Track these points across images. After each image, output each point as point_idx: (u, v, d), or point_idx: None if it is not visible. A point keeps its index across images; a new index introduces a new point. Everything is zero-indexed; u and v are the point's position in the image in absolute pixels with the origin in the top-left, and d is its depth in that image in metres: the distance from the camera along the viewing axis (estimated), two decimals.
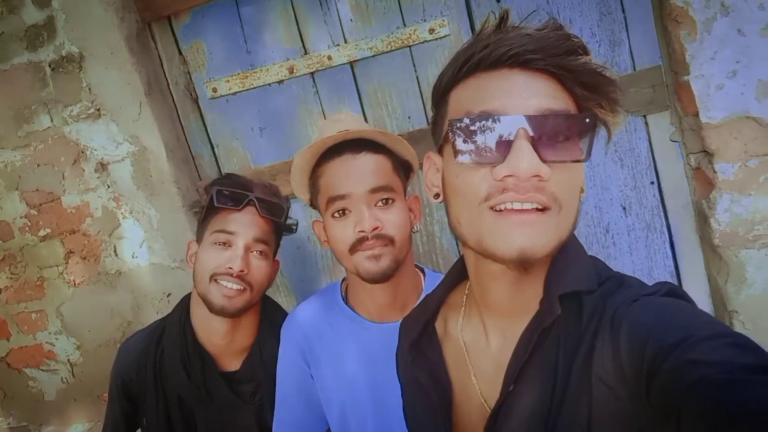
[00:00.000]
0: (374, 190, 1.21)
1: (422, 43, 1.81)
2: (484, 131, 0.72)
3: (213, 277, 1.40)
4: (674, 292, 0.75)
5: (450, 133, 0.75)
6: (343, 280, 1.46)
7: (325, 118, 1.90)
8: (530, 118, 0.70)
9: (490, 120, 0.71)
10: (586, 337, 0.74)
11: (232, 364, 1.54)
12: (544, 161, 0.70)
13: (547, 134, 0.71)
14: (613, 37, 1.72)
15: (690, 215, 1.77)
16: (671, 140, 1.73)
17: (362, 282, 1.26)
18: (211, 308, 1.41)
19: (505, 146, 0.71)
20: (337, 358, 1.35)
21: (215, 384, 1.49)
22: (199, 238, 1.49)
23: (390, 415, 1.29)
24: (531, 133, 0.70)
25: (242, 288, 1.40)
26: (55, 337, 2.29)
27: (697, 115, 1.60)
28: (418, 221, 1.34)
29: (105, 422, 1.61)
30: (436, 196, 0.88)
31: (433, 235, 1.95)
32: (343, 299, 1.40)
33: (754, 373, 0.54)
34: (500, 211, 0.71)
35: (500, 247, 0.71)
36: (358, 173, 1.22)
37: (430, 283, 1.39)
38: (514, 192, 0.70)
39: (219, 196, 1.42)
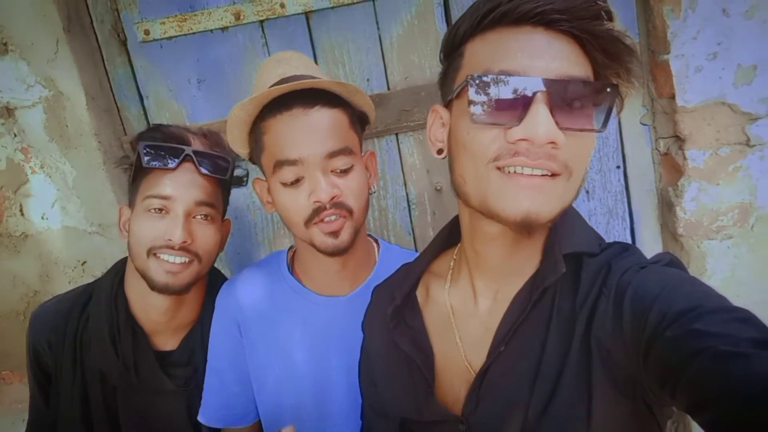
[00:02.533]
0: (332, 155, 1.06)
1: None
2: (501, 91, 0.70)
3: (151, 252, 1.20)
4: (675, 263, 0.77)
5: (465, 89, 0.73)
6: (290, 248, 1.32)
7: None
8: (551, 82, 0.68)
9: (510, 80, 0.69)
10: (588, 298, 0.74)
11: (169, 342, 1.36)
12: (560, 128, 0.69)
13: (566, 100, 0.69)
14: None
15: (653, 202, 1.71)
16: (641, 123, 1.66)
17: (313, 251, 1.13)
18: (153, 286, 1.22)
19: (522, 108, 0.69)
20: (276, 333, 1.22)
21: (146, 364, 1.30)
22: (131, 203, 1.28)
23: (331, 395, 1.19)
24: (550, 98, 0.69)
25: (188, 260, 1.22)
26: None
27: (672, 97, 1.52)
28: (375, 181, 1.21)
29: (29, 402, 1.41)
30: (440, 151, 0.85)
31: (386, 211, 1.81)
32: (288, 269, 1.26)
33: (759, 348, 0.54)
34: (508, 173, 0.71)
35: (506, 209, 0.71)
36: (312, 133, 1.05)
37: (384, 255, 1.29)
38: (525, 157, 0.69)
39: (148, 154, 1.20)
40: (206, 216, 1.25)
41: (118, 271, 1.37)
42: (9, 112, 1.74)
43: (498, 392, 0.79)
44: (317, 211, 1.07)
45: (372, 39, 1.68)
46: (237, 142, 1.17)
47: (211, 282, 1.40)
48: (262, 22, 1.69)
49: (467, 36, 0.77)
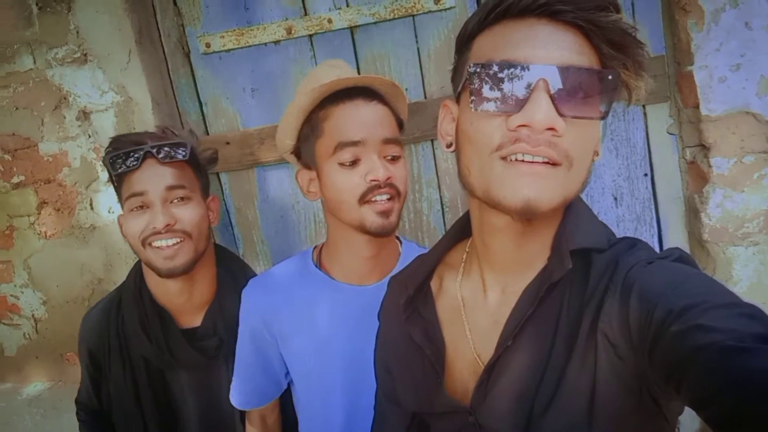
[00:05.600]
0: (387, 141, 1.18)
1: (426, 13, 1.77)
2: (503, 79, 0.70)
3: (145, 242, 1.33)
4: (684, 258, 0.75)
5: (469, 79, 0.73)
6: (315, 247, 1.40)
7: None
8: (551, 70, 0.68)
9: (511, 68, 0.70)
10: (595, 293, 0.73)
11: (194, 320, 1.48)
12: (561, 115, 0.68)
13: (568, 88, 0.69)
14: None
15: (680, 209, 1.76)
16: (668, 132, 1.72)
17: (350, 237, 1.22)
18: (159, 273, 1.35)
19: (523, 96, 0.69)
20: (307, 324, 1.29)
21: (176, 343, 1.43)
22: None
23: (361, 382, 1.24)
24: (551, 86, 0.68)
25: (180, 240, 1.34)
26: (20, 290, 2.20)
27: (697, 107, 1.59)
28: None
29: (81, 386, 1.58)
30: (449, 145, 0.86)
31: (420, 213, 1.92)
32: (315, 264, 1.35)
33: (764, 343, 0.53)
34: (510, 161, 0.70)
35: (507, 197, 0.71)
36: (373, 120, 1.18)
37: (406, 249, 1.37)
38: (526, 143, 0.69)
39: (112, 163, 1.33)
40: (182, 197, 1.36)
41: (138, 268, 1.52)
42: (85, 115, 1.95)
43: (506, 385, 0.79)
44: (372, 189, 1.16)
45: (411, 51, 1.82)
46: (288, 131, 1.27)
47: (220, 257, 1.54)
48: (311, 36, 1.85)
49: (475, 31, 0.78)
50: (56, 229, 2.09)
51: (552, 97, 0.69)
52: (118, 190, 1.40)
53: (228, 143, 1.91)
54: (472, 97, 0.73)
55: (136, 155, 1.32)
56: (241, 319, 1.37)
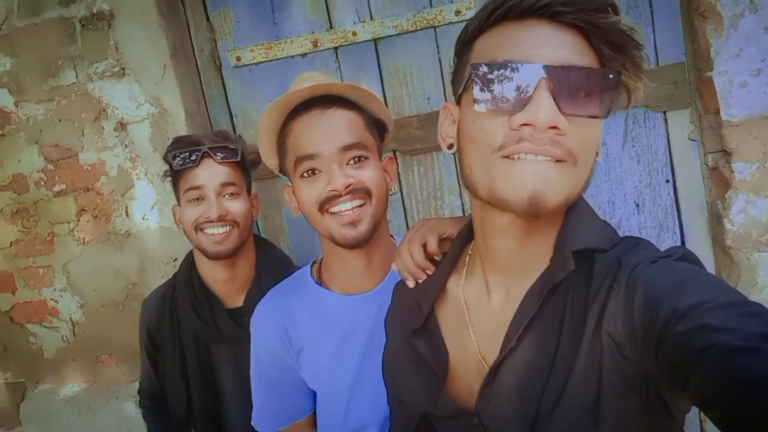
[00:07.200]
0: (346, 148, 1.14)
1: (447, 24, 1.81)
2: (505, 79, 0.71)
3: (198, 228, 1.52)
4: (688, 257, 0.74)
5: (471, 79, 0.74)
6: (313, 262, 1.39)
7: None
8: (553, 69, 0.69)
9: (514, 68, 0.70)
10: (599, 293, 0.74)
11: (237, 300, 1.66)
12: (563, 113, 0.69)
13: (569, 87, 0.69)
14: (638, 31, 1.71)
15: (703, 216, 1.75)
16: (690, 139, 1.72)
17: (336, 249, 1.20)
18: (208, 255, 1.54)
19: (525, 95, 0.70)
20: (311, 341, 1.28)
21: (222, 320, 1.61)
22: (178, 201, 1.61)
23: (367, 391, 1.23)
24: (553, 85, 0.69)
25: (229, 228, 1.53)
26: (59, 294, 2.30)
27: (717, 112, 1.59)
28: (393, 183, 1.27)
29: (141, 373, 1.79)
30: (450, 146, 0.86)
31: None
32: (314, 280, 1.33)
33: None
34: (514, 159, 0.71)
35: (512, 193, 0.71)
36: (328, 130, 1.14)
37: None
38: (530, 143, 0.69)
39: (175, 160, 1.51)
40: (232, 193, 1.55)
41: (190, 258, 1.72)
42: (122, 126, 2.05)
43: (511, 386, 0.79)
44: (330, 198, 1.13)
45: (432, 62, 1.86)
46: (267, 150, 1.26)
47: (259, 246, 1.71)
48: (336, 48, 1.92)
49: (476, 33, 0.78)
50: (94, 236, 2.18)
51: (554, 96, 0.69)
52: (175, 182, 1.58)
53: (256, 153, 1.97)
54: (474, 97, 0.73)
55: (196, 154, 1.50)
56: (254, 342, 1.36)
